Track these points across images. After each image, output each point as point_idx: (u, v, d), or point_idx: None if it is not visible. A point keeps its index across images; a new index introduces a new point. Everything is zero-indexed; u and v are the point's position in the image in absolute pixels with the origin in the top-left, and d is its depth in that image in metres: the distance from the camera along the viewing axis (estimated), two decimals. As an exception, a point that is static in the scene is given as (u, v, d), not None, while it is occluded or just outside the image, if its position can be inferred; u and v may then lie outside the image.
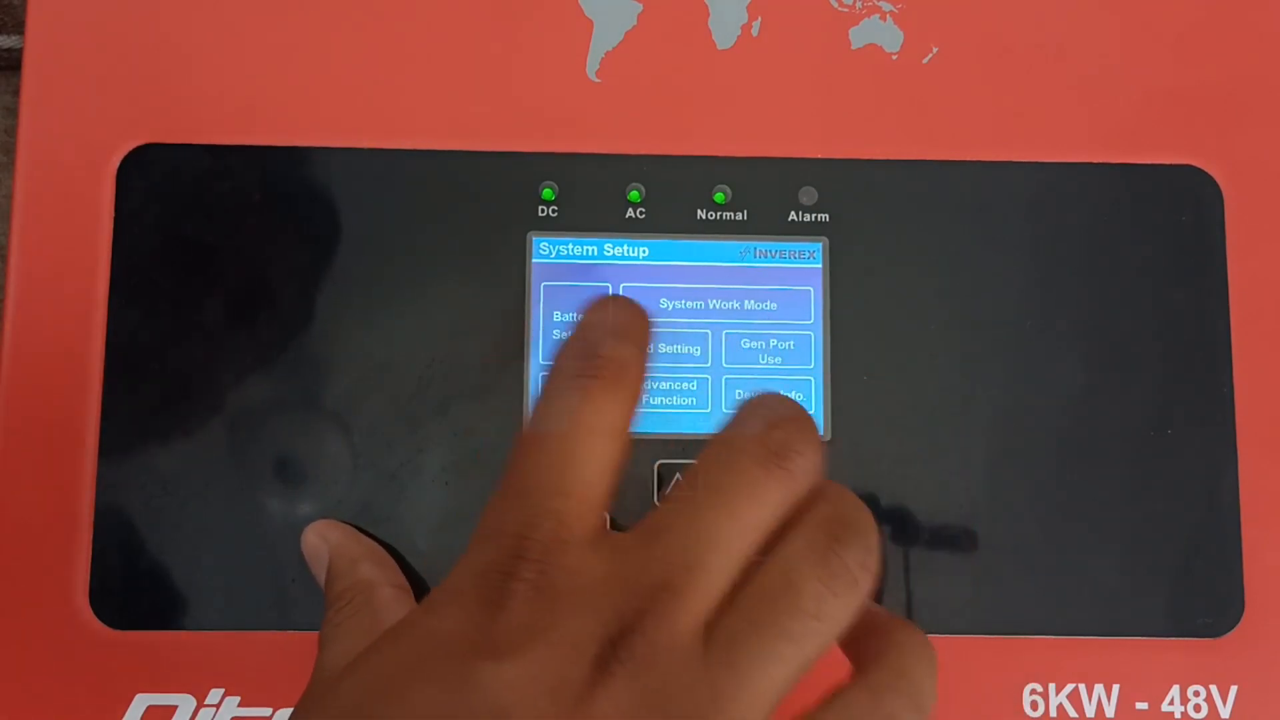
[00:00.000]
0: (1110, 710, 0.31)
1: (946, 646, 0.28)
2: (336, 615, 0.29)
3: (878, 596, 0.31)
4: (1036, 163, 0.33)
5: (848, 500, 0.25)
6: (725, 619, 0.23)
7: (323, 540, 0.31)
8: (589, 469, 0.25)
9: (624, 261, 0.32)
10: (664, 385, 0.32)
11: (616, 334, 0.26)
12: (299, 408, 0.31)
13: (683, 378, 0.32)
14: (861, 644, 0.25)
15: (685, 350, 0.32)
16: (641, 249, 0.32)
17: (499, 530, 0.25)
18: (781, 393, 0.27)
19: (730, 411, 0.26)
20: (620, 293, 0.32)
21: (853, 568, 0.24)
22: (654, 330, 0.27)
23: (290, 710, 0.30)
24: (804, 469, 0.24)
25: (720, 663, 0.23)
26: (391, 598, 0.30)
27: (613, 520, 0.31)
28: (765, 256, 0.32)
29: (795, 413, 0.25)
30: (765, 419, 0.25)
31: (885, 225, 0.33)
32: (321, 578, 0.30)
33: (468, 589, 0.25)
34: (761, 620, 0.23)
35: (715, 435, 0.25)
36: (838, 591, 0.23)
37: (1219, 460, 0.32)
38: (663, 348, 0.32)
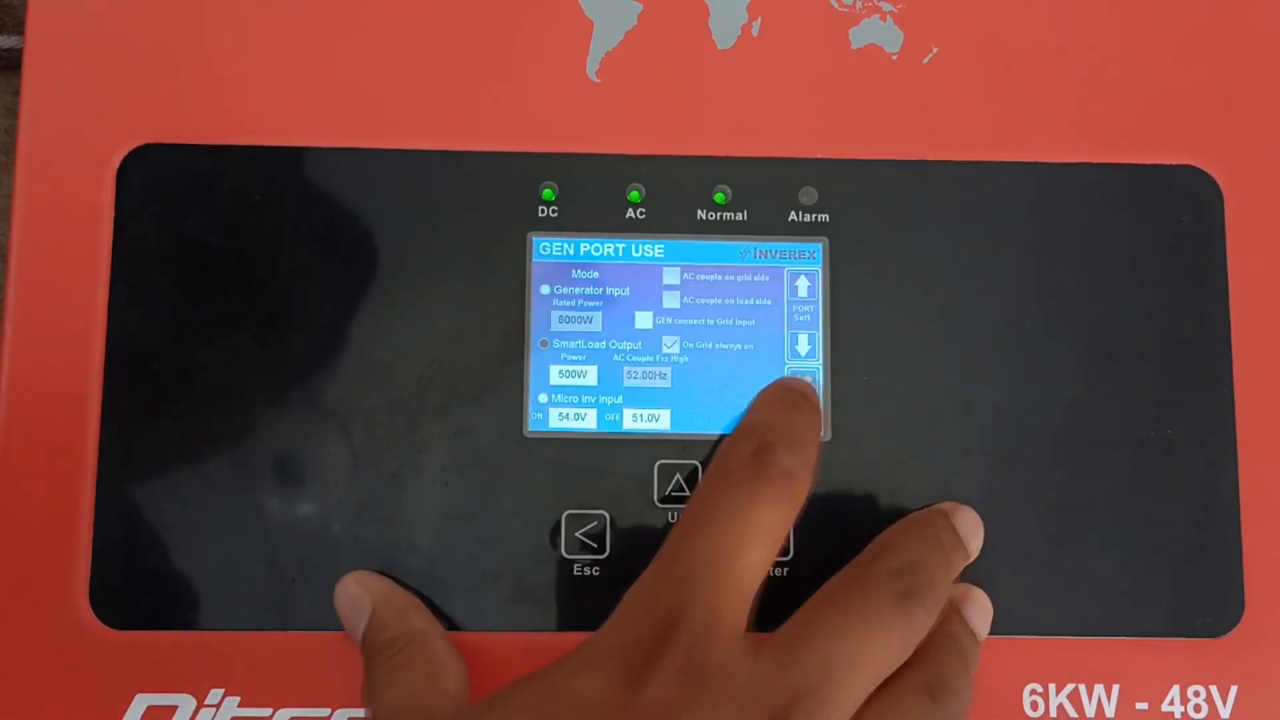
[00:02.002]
0: (1110, 710, 0.31)
1: (946, 646, 0.28)
2: (389, 662, 0.28)
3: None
4: (1036, 163, 0.33)
5: (953, 664, 0.28)
6: None
7: (364, 589, 0.30)
8: (746, 569, 0.27)
9: (624, 261, 0.32)
10: (664, 385, 0.32)
11: (788, 442, 0.29)
12: (299, 408, 0.31)
13: (683, 378, 0.32)
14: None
15: (685, 350, 0.32)
16: (641, 249, 0.32)
17: (650, 608, 0.27)
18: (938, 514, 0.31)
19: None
20: (614, 297, 0.32)
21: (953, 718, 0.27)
22: (820, 430, 0.30)
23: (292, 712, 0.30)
24: (923, 620, 0.27)
25: None
26: (444, 648, 0.29)
27: (612, 520, 0.31)
28: (765, 256, 0.32)
29: (915, 565, 0.28)
30: (890, 567, 0.28)
31: (885, 225, 0.33)
32: (360, 626, 0.30)
33: (611, 658, 0.26)
34: None
35: (856, 561, 0.28)
36: None
37: (1219, 460, 0.32)
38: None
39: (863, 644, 0.26)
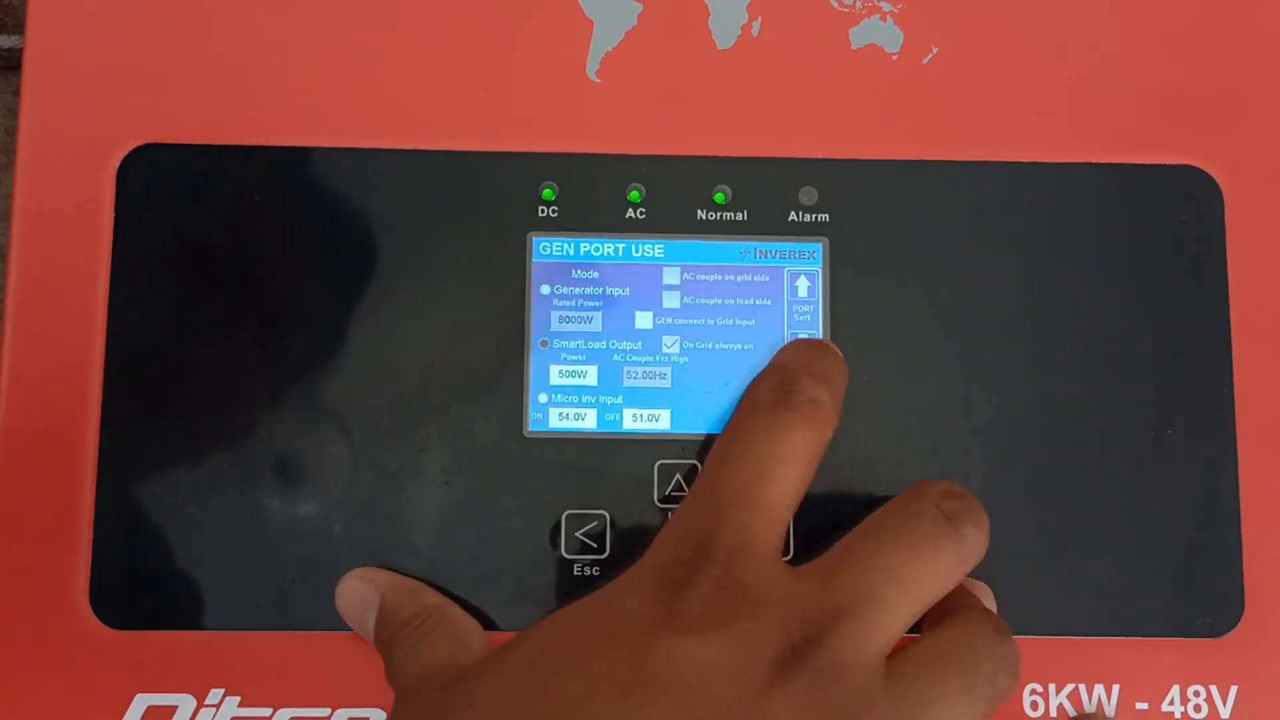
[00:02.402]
0: (1110, 710, 0.31)
1: (946, 646, 0.28)
2: (412, 635, 0.28)
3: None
4: (1036, 163, 0.33)
5: (997, 619, 0.27)
6: (907, 660, 0.25)
7: (369, 583, 0.30)
8: (778, 490, 0.27)
9: (624, 261, 0.32)
10: (664, 385, 0.32)
11: (814, 375, 0.29)
12: (299, 408, 0.31)
13: (683, 378, 0.32)
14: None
15: (685, 350, 0.32)
16: (641, 249, 0.32)
17: (686, 532, 0.27)
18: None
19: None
20: (614, 297, 0.32)
21: (1015, 662, 0.26)
22: (846, 375, 0.30)
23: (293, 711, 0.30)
24: (976, 540, 0.27)
25: (901, 695, 0.24)
26: (463, 616, 0.29)
27: (612, 520, 0.31)
28: (765, 257, 0.32)
29: (965, 492, 0.28)
30: (941, 489, 0.27)
31: (885, 225, 0.33)
32: (370, 620, 0.29)
33: (650, 579, 0.26)
34: (945, 670, 0.25)
35: (899, 494, 0.28)
36: (1005, 671, 0.26)
37: (1219, 460, 0.32)
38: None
39: (909, 564, 0.26)
